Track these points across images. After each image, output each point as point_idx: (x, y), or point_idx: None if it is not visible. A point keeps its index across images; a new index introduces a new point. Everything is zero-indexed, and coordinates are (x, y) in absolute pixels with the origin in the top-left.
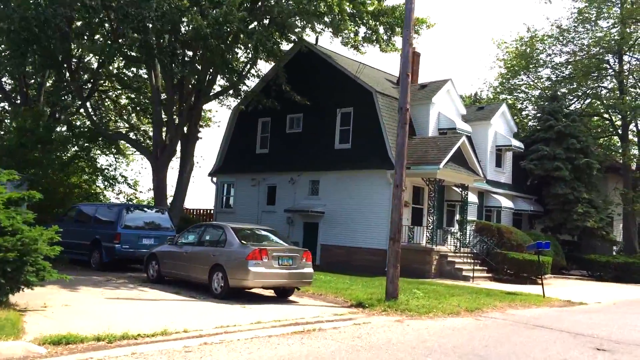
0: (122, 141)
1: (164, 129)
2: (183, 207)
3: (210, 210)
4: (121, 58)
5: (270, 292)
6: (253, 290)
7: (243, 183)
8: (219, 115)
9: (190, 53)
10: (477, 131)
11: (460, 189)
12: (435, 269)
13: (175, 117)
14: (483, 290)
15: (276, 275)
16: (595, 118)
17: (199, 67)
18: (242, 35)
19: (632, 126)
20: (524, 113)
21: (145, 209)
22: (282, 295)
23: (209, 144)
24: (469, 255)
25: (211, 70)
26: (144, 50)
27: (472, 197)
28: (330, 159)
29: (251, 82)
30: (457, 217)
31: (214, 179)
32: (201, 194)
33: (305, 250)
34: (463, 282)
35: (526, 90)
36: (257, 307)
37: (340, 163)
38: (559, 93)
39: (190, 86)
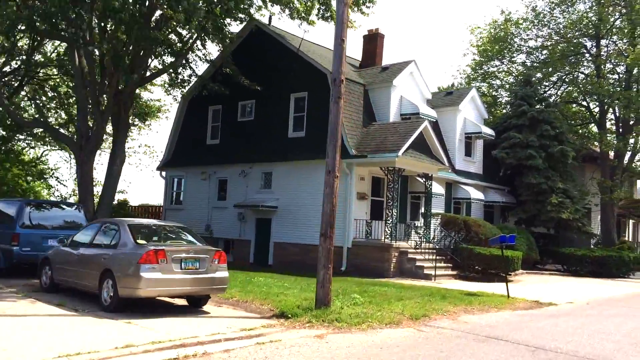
0: (42, 130)
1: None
2: (112, 202)
3: (161, 206)
4: (26, 30)
5: (182, 301)
6: (162, 299)
7: (193, 177)
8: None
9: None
10: (444, 118)
11: (424, 180)
12: (395, 267)
13: (104, 103)
14: (441, 291)
15: (177, 282)
16: (573, 106)
17: (118, 45)
18: (170, 11)
19: (610, 115)
20: (498, 101)
21: (55, 206)
22: (195, 304)
23: (165, 137)
24: (433, 251)
25: (137, 49)
26: (48, 21)
27: (438, 189)
28: (284, 148)
29: (201, 69)
30: (422, 210)
31: (163, 173)
32: (155, 190)
33: (218, 250)
34: (424, 282)
35: (501, 78)
36: (147, 323)
37: (294, 153)
38: (533, 78)
39: (113, 67)
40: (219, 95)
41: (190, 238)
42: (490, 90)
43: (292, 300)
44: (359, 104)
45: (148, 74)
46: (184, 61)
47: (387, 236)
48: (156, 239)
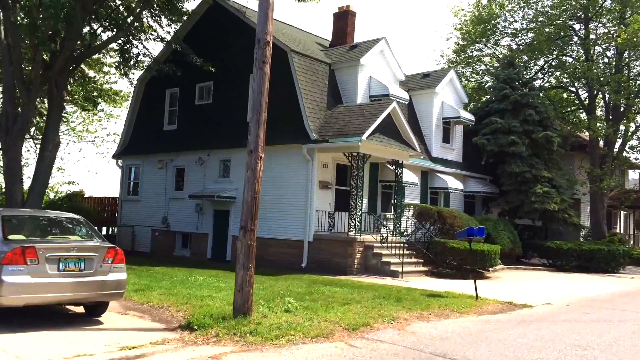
0: None
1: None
2: (44, 192)
3: (117, 198)
4: None
5: (81, 308)
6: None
7: (150, 166)
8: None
9: None
10: (420, 101)
11: (394, 167)
12: (359, 264)
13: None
14: (402, 291)
15: (53, 287)
16: (560, 91)
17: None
18: None
19: (600, 101)
20: (483, 86)
21: None
22: (91, 312)
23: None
24: (402, 245)
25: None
26: None
27: (412, 177)
28: (242, 133)
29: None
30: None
31: (119, 162)
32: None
33: (112, 247)
34: (389, 280)
35: (486, 62)
36: (5, 341)
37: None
38: (517, 60)
39: (36, 40)
40: (176, 77)
41: (84, 232)
42: (476, 76)
43: (217, 305)
44: (323, 84)
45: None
46: (131, 38)
47: (351, 229)
48: (39, 233)
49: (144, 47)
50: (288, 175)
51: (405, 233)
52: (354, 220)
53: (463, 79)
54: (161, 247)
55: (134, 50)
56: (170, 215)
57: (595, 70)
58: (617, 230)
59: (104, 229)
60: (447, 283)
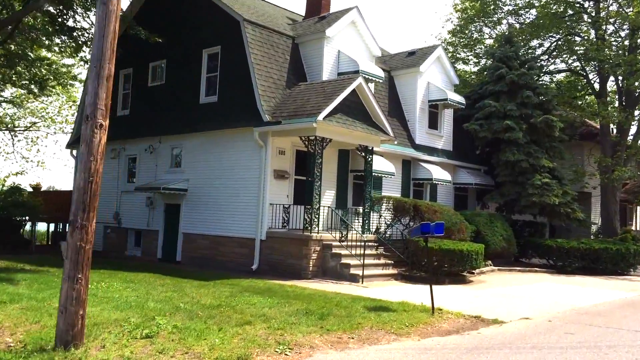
0: None
1: None
2: None
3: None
4: None
5: None
6: None
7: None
8: None
9: None
10: (403, 82)
11: (363, 153)
12: (316, 266)
13: None
14: (343, 302)
15: None
16: (568, 76)
17: None
18: None
19: (612, 85)
20: (483, 69)
21: None
22: None
23: None
24: (367, 245)
25: None
26: None
27: (387, 166)
28: (195, 117)
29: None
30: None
31: (74, 152)
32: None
33: None
34: (346, 285)
35: (486, 45)
36: None
37: (205, 122)
38: (519, 40)
39: None
40: (128, 55)
41: None
42: (476, 60)
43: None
44: (283, 60)
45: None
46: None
47: (307, 225)
48: None
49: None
50: (239, 164)
51: (378, 230)
52: (310, 215)
53: (463, 63)
54: (113, 246)
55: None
56: (123, 210)
57: (607, 52)
58: (633, 227)
59: (52, 226)
60: (414, 290)
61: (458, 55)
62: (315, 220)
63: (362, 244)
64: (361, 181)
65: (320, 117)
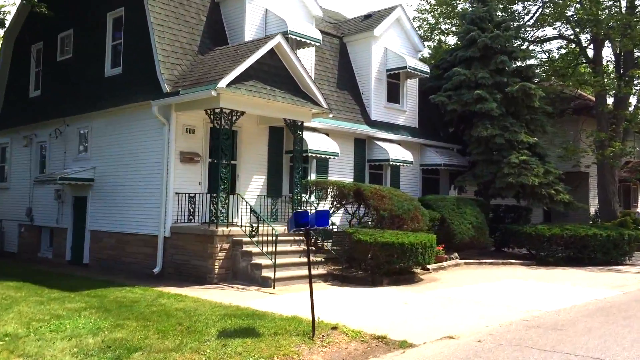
0: None
1: None
2: None
3: None
4: None
5: None
6: None
7: (18, 143)
8: None
9: None
10: (356, 49)
11: (292, 129)
12: (224, 267)
13: None
14: (196, 325)
15: None
16: (559, 45)
17: None
18: None
19: (607, 54)
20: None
21: None
22: None
23: None
24: (296, 239)
25: None
26: None
27: (328, 145)
28: (100, 93)
29: None
30: (313, 176)
31: None
32: None
33: None
34: (253, 291)
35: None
36: None
37: (110, 98)
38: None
39: None
40: (40, 28)
41: None
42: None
43: None
44: (197, 21)
45: None
46: None
47: (214, 218)
48: None
49: None
50: (142, 146)
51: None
52: (216, 206)
53: (445, 35)
54: (27, 246)
55: None
56: (35, 204)
57: (601, 14)
58: (638, 210)
59: None
60: (340, 295)
61: (442, 27)
62: (224, 211)
63: (275, 238)
64: (303, 164)
65: (222, 84)
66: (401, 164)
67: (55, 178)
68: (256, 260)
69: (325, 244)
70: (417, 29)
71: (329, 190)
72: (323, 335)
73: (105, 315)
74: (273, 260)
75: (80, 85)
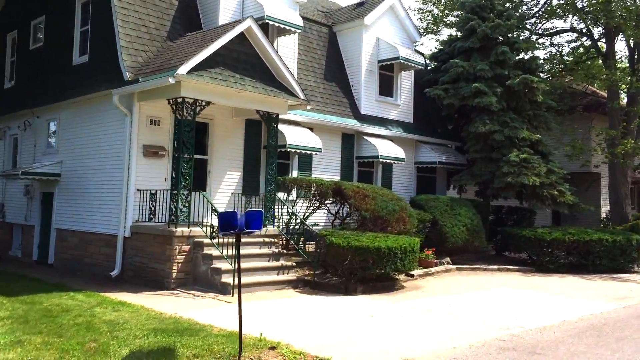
0: None
1: None
2: None
3: None
4: None
5: None
6: None
7: None
8: None
9: None
10: (346, 39)
11: (266, 122)
12: (183, 271)
13: None
14: (86, 328)
15: None
16: (568, 35)
17: None
18: None
19: (621, 48)
20: None
21: None
22: None
23: None
24: (266, 241)
25: None
26: None
27: (310, 140)
28: (68, 82)
29: None
30: (295, 173)
31: None
32: None
33: None
34: (209, 299)
35: None
36: None
37: (76, 88)
38: None
39: None
40: (14, 15)
41: None
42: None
43: None
44: (167, 5)
45: None
46: None
47: (173, 217)
48: None
49: None
50: (105, 139)
51: (293, 221)
52: (176, 203)
53: (445, 28)
54: (1, 244)
55: None
56: (7, 201)
57: (614, 3)
58: None
59: None
60: (307, 305)
61: (447, 21)
62: (184, 210)
63: (268, 239)
64: (284, 160)
65: (182, 70)
66: (392, 161)
67: (17, 173)
68: (217, 264)
69: (309, 246)
70: (420, 19)
71: (312, 188)
72: (252, 358)
73: (19, 327)
74: (233, 264)
75: (49, 74)
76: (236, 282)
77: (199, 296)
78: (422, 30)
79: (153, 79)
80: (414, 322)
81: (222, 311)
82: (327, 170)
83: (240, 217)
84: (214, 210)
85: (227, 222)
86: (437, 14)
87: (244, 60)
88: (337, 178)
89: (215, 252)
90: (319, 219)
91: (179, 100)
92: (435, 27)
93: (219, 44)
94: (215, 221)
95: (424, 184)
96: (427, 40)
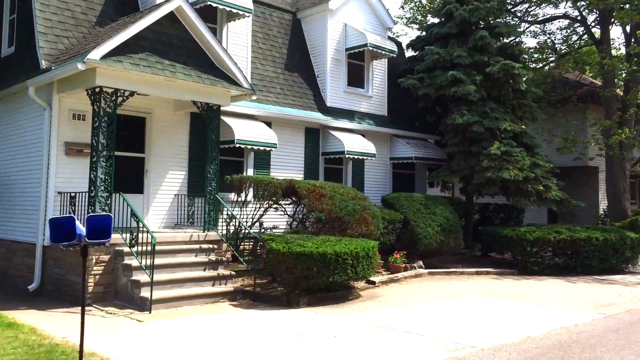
0: None
1: None
2: None
3: None
4: None
5: None
6: None
7: None
8: None
9: None
10: (311, 26)
11: (206, 115)
12: (102, 284)
13: None
14: None
15: None
16: (560, 22)
17: None
18: None
19: (616, 34)
20: None
21: None
22: None
23: None
24: (203, 247)
25: None
26: None
27: (267, 135)
28: None
29: None
30: (250, 172)
31: None
32: None
33: None
34: (123, 316)
35: None
36: None
37: (1, 82)
38: None
39: None
40: None
41: None
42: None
43: None
44: None
45: None
46: None
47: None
48: None
49: None
50: (28, 137)
51: (233, 225)
52: (93, 207)
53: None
54: None
55: None
56: None
57: None
58: None
59: None
60: (227, 322)
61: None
62: (106, 210)
63: (152, 248)
64: (237, 157)
65: (94, 55)
66: (361, 156)
67: None
68: (137, 276)
69: (218, 256)
70: (402, 8)
71: (259, 187)
72: None
73: None
74: (151, 275)
75: None
76: (161, 295)
77: (112, 313)
78: (406, 21)
79: (64, 66)
80: (347, 344)
81: (126, 334)
82: (288, 168)
83: (80, 224)
84: (133, 214)
85: (62, 231)
86: (425, 3)
87: (176, 45)
88: (299, 176)
89: (135, 262)
90: (280, 221)
91: (97, 90)
92: (422, 18)
93: (141, 25)
94: (151, 224)
95: (402, 181)
96: (411, 31)
